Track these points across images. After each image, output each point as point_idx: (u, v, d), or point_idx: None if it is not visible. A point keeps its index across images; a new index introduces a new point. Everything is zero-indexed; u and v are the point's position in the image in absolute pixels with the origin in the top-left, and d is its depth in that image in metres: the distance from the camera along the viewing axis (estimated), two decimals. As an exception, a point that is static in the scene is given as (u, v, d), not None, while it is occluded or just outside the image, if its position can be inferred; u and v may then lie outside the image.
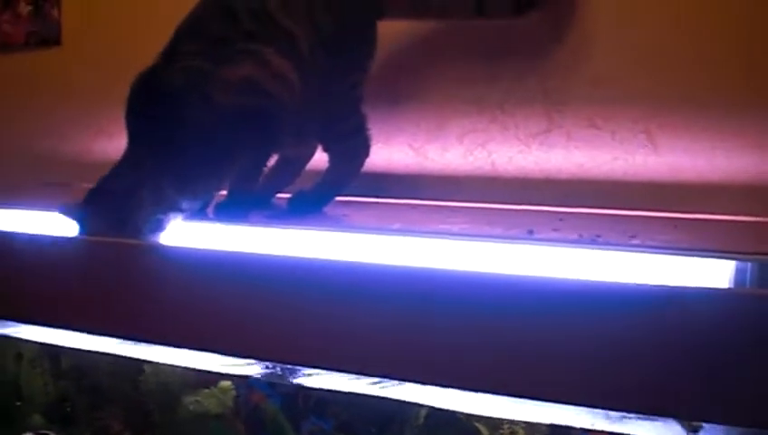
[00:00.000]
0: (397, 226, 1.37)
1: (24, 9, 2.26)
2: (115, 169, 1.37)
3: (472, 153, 1.70)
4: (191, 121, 1.36)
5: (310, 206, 1.51)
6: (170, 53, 1.40)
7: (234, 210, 1.43)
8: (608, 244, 1.18)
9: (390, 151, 1.76)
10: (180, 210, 1.37)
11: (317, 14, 1.44)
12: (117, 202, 1.34)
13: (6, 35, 2.31)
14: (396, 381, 1.14)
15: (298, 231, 1.36)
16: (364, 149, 1.53)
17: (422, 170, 1.75)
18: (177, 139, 1.35)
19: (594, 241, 1.19)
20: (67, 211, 1.36)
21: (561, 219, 1.42)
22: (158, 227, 1.36)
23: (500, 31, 1.64)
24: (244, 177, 1.45)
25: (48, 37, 2.25)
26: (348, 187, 1.54)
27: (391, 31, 1.58)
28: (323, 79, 1.45)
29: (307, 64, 1.42)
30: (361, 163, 1.53)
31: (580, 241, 1.20)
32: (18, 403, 1.77)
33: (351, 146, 1.52)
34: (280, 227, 1.38)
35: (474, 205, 1.63)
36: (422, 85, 1.75)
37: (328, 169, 1.53)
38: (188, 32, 1.42)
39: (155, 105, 1.37)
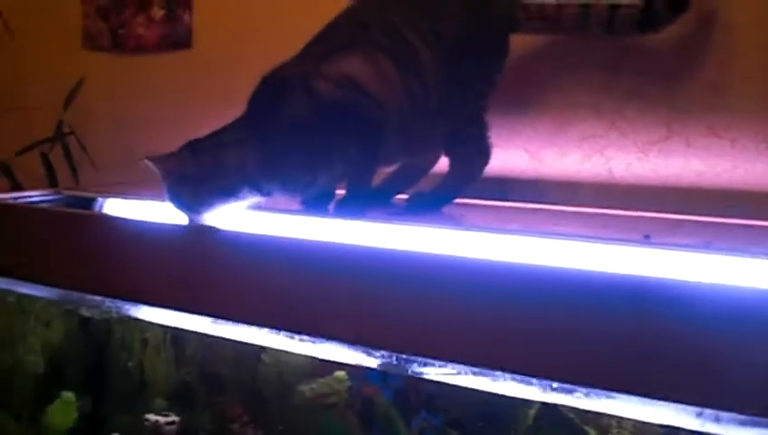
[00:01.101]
0: (513, 226, 1.40)
1: (158, 13, 2.35)
2: (215, 133, 1.44)
3: (589, 159, 1.71)
4: (288, 110, 1.43)
5: (428, 206, 1.54)
6: (299, 54, 1.47)
7: (353, 206, 1.47)
8: (721, 249, 1.18)
9: (507, 155, 1.78)
10: (260, 191, 1.43)
11: (443, 29, 1.48)
12: (205, 159, 1.41)
13: (140, 38, 2.41)
14: (508, 376, 1.15)
15: (416, 228, 1.39)
16: (484, 157, 1.56)
17: (538, 175, 1.77)
18: (273, 124, 1.42)
19: (708, 246, 1.20)
20: (155, 159, 1.44)
21: (677, 225, 1.42)
22: (233, 195, 1.42)
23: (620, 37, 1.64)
24: (357, 175, 1.49)
25: (179, 40, 2.34)
26: (465, 191, 1.57)
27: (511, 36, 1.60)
28: (448, 88, 1.49)
29: (429, 75, 1.47)
30: (480, 170, 1.57)
31: (694, 246, 1.21)
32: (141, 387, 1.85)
33: (471, 153, 1.56)
34: (398, 223, 1.42)
35: (590, 210, 1.64)
36: (540, 90, 1.77)
37: (448, 173, 1.57)
38: (319, 37, 1.49)
39: (265, 91, 1.46)
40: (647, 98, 1.65)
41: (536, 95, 1.77)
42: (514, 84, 1.69)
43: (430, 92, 1.48)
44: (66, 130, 2.52)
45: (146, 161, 1.43)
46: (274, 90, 1.45)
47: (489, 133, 1.55)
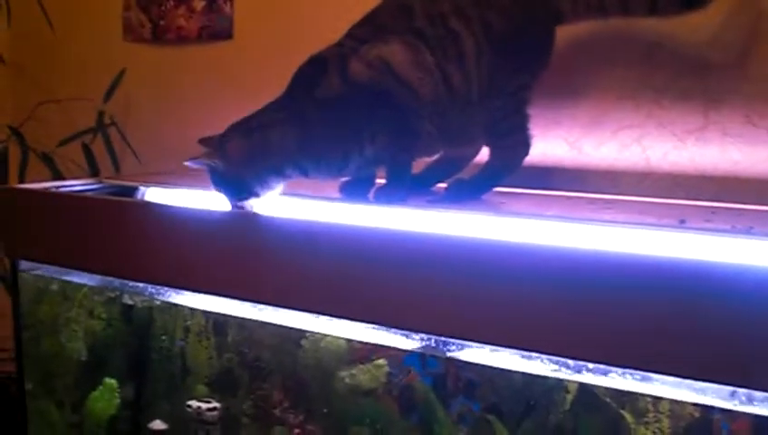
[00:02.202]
0: (551, 212, 1.41)
1: (199, 4, 2.38)
2: (257, 114, 1.49)
3: (627, 148, 1.71)
4: (322, 89, 1.46)
5: (466, 194, 1.56)
6: (343, 36, 1.51)
7: (392, 194, 1.49)
8: (762, 234, 1.19)
9: (546, 144, 1.79)
10: (302, 171, 1.48)
11: (491, 19, 1.48)
12: (253, 139, 1.48)
13: (181, 29, 2.43)
14: (543, 357, 1.17)
15: (456, 214, 1.41)
16: (524, 148, 1.56)
17: (577, 164, 1.78)
18: (309, 103, 1.46)
19: (748, 231, 1.21)
20: (206, 140, 1.50)
21: (713, 212, 1.42)
22: (281, 174, 1.48)
23: (657, 27, 1.65)
24: (395, 163, 1.52)
25: (220, 31, 2.36)
26: (504, 181, 1.58)
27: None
28: (491, 79, 1.50)
29: (472, 64, 1.48)
30: (520, 161, 1.57)
31: (732, 230, 1.22)
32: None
33: (511, 144, 1.56)
34: (437, 210, 1.43)
35: (627, 198, 1.64)
36: (578, 80, 1.78)
37: (487, 163, 1.58)
38: (365, 19, 1.52)
39: (305, 69, 1.50)
40: (683, 86, 1.66)
41: (576, 86, 1.78)
42: (556, 75, 1.71)
43: (471, 82, 1.48)
44: (107, 121, 2.55)
45: (197, 142, 1.46)
46: (313, 68, 1.49)
47: (530, 125, 1.55)
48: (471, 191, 1.57)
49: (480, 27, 1.48)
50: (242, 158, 1.45)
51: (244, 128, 1.47)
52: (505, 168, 1.58)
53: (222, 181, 1.47)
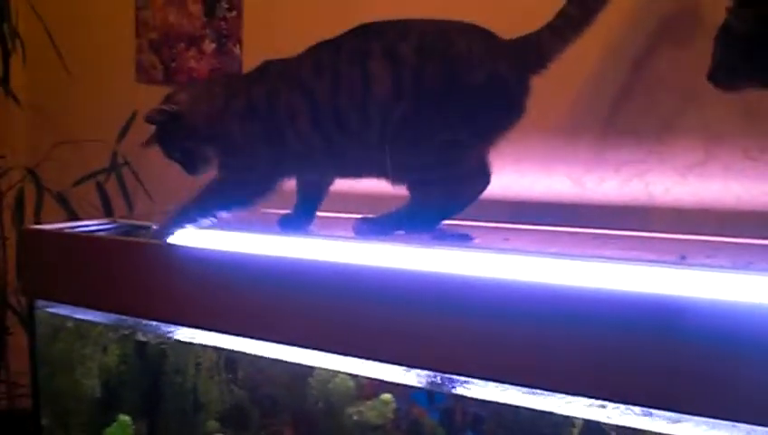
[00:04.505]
0: (553, 249, 1.43)
1: (209, 46, 2.43)
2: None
3: (628, 183, 1.74)
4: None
5: (375, 232, 1.55)
6: None
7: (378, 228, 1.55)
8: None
9: (550, 181, 1.82)
10: None
11: (426, 68, 1.47)
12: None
13: (191, 70, 2.48)
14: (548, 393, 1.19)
15: (456, 252, 1.43)
16: (446, 198, 1.53)
17: (580, 199, 1.80)
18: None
19: (747, 266, 1.23)
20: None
21: (714, 248, 1.44)
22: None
23: (657, 62, 1.67)
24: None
25: (230, 73, 2.40)
26: (416, 227, 1.55)
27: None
28: (406, 126, 1.48)
29: (378, 108, 1.48)
30: (437, 211, 1.55)
31: (733, 267, 1.24)
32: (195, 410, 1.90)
33: (428, 192, 1.52)
34: (439, 247, 1.46)
35: (629, 233, 1.67)
36: (579, 117, 1.81)
37: (405, 205, 1.55)
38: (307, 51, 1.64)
39: None
40: (683, 121, 1.69)
41: (577, 123, 1.81)
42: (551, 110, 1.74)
43: (371, 124, 1.49)
44: (121, 161, 2.59)
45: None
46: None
47: (461, 182, 1.52)
48: (380, 228, 1.55)
49: (411, 75, 1.46)
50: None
51: None
52: (417, 215, 1.54)
53: None
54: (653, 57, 1.68)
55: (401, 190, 1.53)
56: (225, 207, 1.61)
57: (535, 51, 1.46)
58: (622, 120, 1.76)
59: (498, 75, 1.46)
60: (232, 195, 1.62)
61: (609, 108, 1.78)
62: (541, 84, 1.55)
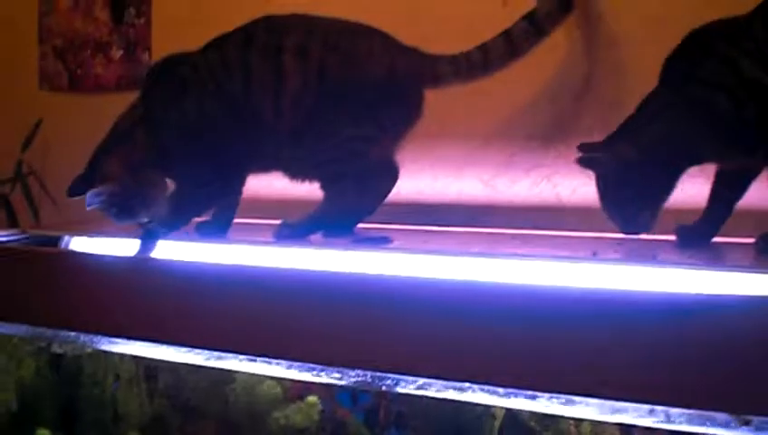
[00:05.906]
0: (476, 250, 1.48)
1: (116, 53, 2.40)
2: None
3: (538, 185, 1.80)
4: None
5: (296, 235, 1.59)
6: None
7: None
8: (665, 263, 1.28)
9: (461, 184, 1.86)
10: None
11: (339, 65, 1.54)
12: None
13: (98, 78, 2.45)
14: (475, 387, 1.23)
15: (383, 254, 1.47)
16: (354, 195, 1.59)
17: (492, 201, 1.86)
18: None
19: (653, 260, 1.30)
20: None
21: (619, 244, 1.51)
22: None
23: (561, 74, 1.74)
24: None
25: (138, 80, 2.34)
26: (333, 224, 1.60)
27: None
28: (314, 121, 1.54)
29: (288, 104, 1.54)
30: (346, 208, 1.61)
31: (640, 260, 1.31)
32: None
33: (338, 189, 1.59)
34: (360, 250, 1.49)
35: (541, 232, 1.73)
36: (490, 124, 1.86)
37: (320, 204, 1.61)
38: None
39: None
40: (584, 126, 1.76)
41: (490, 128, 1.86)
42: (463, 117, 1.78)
43: (283, 117, 1.54)
44: (26, 170, 2.55)
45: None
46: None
47: (372, 180, 1.61)
48: (299, 232, 1.60)
49: (317, 71, 1.53)
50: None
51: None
52: (333, 214, 1.60)
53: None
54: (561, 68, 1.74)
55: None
56: (195, 213, 1.68)
57: (430, 70, 1.57)
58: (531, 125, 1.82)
59: (396, 71, 1.55)
60: (192, 204, 1.65)
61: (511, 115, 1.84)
62: (454, 93, 1.61)
